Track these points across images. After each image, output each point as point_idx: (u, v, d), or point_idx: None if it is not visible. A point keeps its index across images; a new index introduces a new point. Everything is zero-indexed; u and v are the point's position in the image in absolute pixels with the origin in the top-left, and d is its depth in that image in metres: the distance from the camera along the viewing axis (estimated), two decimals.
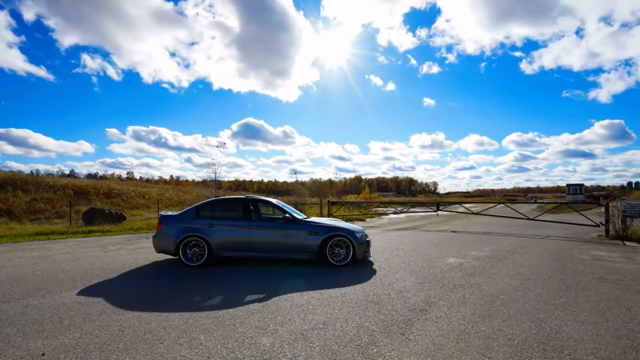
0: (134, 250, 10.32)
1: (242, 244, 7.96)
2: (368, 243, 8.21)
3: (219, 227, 7.97)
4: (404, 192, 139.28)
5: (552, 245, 11.47)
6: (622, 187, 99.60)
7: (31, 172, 33.67)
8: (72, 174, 45.02)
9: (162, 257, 8.64)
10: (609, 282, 6.52)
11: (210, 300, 5.34)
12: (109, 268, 7.60)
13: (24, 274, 7.10)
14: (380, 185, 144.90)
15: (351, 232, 7.98)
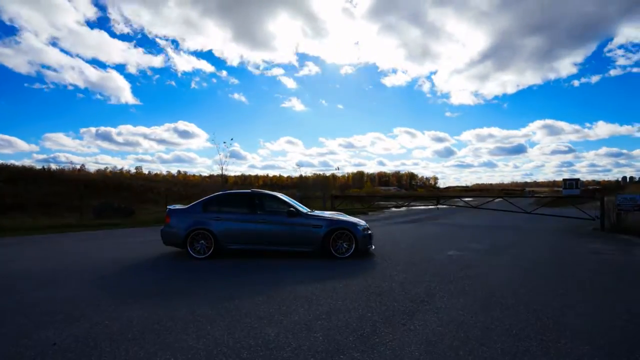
0: (142, 243, 10.35)
1: (248, 236, 7.96)
2: (370, 236, 8.20)
3: (225, 220, 7.98)
4: (405, 187, 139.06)
5: (549, 238, 11.44)
6: (618, 181, 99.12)
7: (43, 167, 33.72)
8: (82, 169, 45.10)
9: (170, 249, 8.66)
10: (604, 274, 6.49)
11: (216, 292, 5.35)
12: (118, 260, 7.62)
13: (35, 266, 7.13)
14: (382, 180, 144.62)
15: (353, 225, 7.97)
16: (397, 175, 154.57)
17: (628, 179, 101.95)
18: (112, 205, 19.21)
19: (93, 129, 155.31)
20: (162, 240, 8.23)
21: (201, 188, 35.71)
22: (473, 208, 20.00)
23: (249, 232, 7.96)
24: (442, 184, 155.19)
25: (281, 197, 8.79)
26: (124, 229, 14.34)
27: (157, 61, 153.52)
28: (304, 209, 8.64)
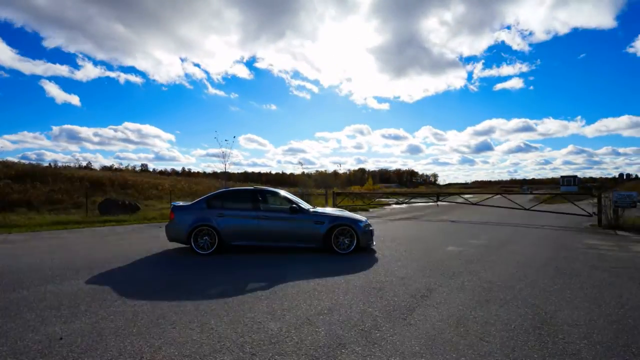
0: (147, 239, 10.37)
1: (251, 233, 7.96)
2: (371, 232, 8.20)
3: (228, 216, 7.98)
4: (406, 184, 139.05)
5: (547, 234, 11.41)
6: (614, 178, 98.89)
7: (49, 164, 33.77)
8: (88, 166, 45.19)
9: (175, 245, 8.67)
10: (601, 269, 6.47)
11: (220, 287, 5.35)
12: (124, 256, 7.64)
13: (42, 262, 7.15)
14: (383, 177, 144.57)
15: (355, 222, 7.97)
16: (398, 173, 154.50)
17: (625, 176, 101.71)
18: (117, 202, 19.24)
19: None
20: (166, 236, 8.24)
21: (205, 185, 35.75)
22: (472, 205, 19.97)
23: (252, 229, 7.96)
24: (440, 181, 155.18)
25: (283, 193, 8.79)
26: (129, 225, 14.36)
27: None
28: (306, 205, 8.63)
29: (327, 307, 4.40)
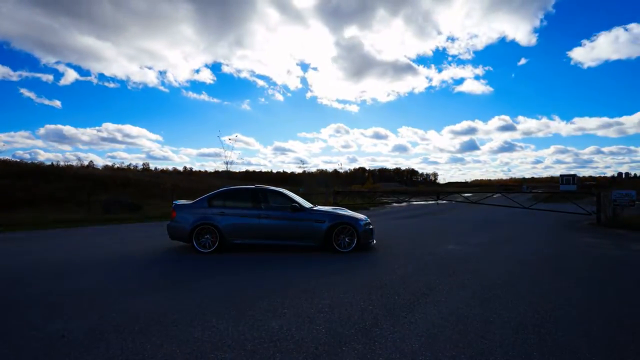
0: (149, 237, 10.38)
1: (252, 231, 7.96)
2: (371, 231, 8.19)
3: (230, 215, 7.98)
4: (406, 182, 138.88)
5: (546, 232, 11.41)
6: (613, 177, 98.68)
7: (52, 163, 33.90)
8: (90, 166, 45.20)
9: (176, 244, 8.67)
10: (600, 267, 6.47)
11: (221, 285, 5.35)
12: (126, 254, 7.64)
13: (45, 260, 7.16)
14: (383, 176, 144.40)
15: (355, 220, 7.96)
16: (398, 172, 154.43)
17: (624, 175, 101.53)
18: (119, 201, 19.27)
19: None
20: (168, 234, 8.24)
21: (206, 184, 35.75)
22: (472, 203, 19.95)
23: (253, 227, 7.96)
24: (440, 180, 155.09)
25: (285, 192, 8.78)
26: (132, 224, 14.37)
27: None
28: (306, 204, 8.63)
29: (328, 305, 4.39)
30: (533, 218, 15.81)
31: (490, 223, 14.14)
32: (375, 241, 8.51)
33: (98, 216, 16.42)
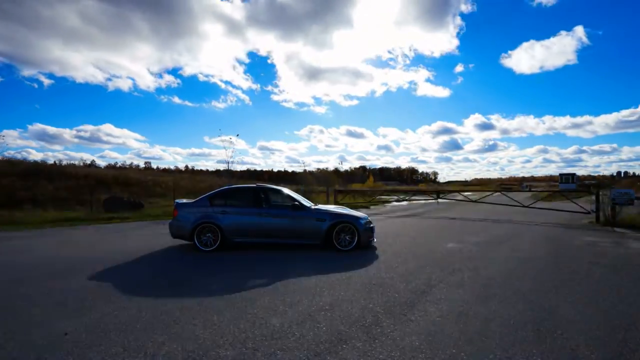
0: (151, 236, 10.38)
1: (253, 230, 7.97)
2: (372, 229, 8.19)
3: (231, 214, 7.98)
4: (406, 181, 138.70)
5: (545, 231, 11.39)
6: (612, 176, 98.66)
7: (54, 162, 33.92)
8: (92, 164, 45.29)
9: (178, 242, 8.68)
10: (599, 265, 6.46)
11: (222, 283, 5.35)
12: (128, 253, 7.65)
13: (48, 258, 7.17)
14: (384, 175, 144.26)
15: (356, 219, 7.96)
16: (398, 170, 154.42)
17: (622, 174, 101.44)
18: (121, 199, 19.26)
19: None
20: (170, 233, 8.25)
21: (208, 183, 35.75)
22: (472, 202, 19.94)
23: (254, 226, 7.96)
24: (440, 179, 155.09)
25: (285, 191, 8.79)
26: (133, 222, 14.37)
27: None
28: (307, 203, 8.63)
29: (329, 303, 4.40)
30: (532, 216, 15.79)
31: (489, 221, 14.12)
32: (375, 240, 8.50)
33: (100, 215, 16.43)
